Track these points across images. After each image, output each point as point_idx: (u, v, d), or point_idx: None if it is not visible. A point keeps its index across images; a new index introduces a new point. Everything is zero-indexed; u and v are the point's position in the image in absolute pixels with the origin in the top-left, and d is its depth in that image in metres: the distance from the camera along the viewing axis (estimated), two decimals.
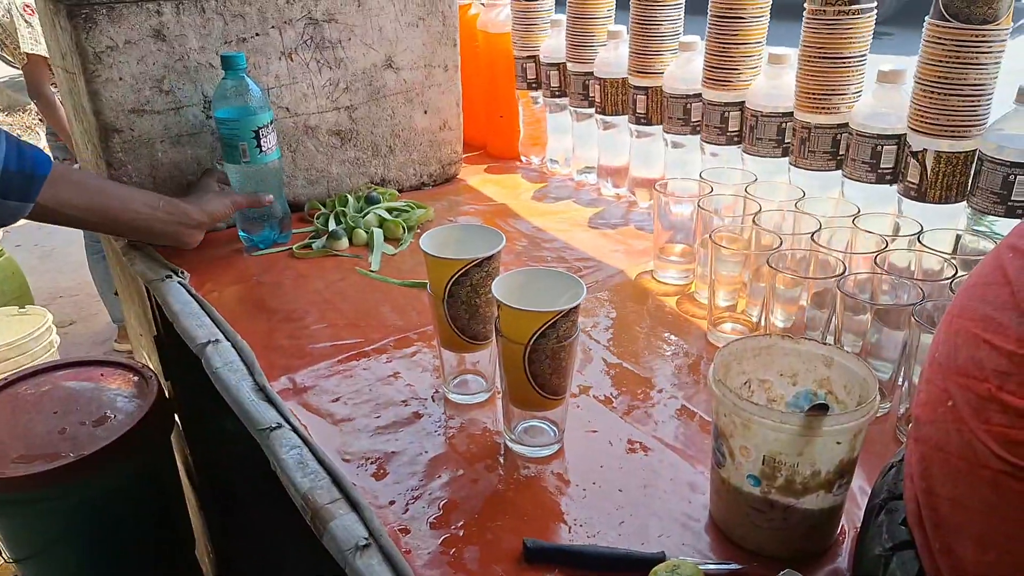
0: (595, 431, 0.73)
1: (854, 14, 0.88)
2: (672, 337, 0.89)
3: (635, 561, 0.56)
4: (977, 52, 0.77)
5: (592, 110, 1.31)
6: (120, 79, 1.08)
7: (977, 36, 0.77)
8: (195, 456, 1.36)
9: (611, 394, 0.79)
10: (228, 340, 0.89)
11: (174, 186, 1.15)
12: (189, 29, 1.09)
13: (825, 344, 0.60)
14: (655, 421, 0.74)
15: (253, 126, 1.07)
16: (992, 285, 0.43)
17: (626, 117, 1.25)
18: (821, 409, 0.51)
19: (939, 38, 0.79)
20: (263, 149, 1.09)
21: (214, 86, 1.11)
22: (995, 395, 0.38)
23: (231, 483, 1.14)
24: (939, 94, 0.80)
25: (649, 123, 1.20)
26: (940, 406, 0.43)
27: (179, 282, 1.02)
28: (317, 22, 1.18)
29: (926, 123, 0.82)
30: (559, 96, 1.38)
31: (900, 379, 0.72)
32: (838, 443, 0.52)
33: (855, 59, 0.90)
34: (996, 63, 0.78)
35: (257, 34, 1.15)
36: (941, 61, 0.79)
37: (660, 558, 0.55)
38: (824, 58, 0.91)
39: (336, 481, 0.65)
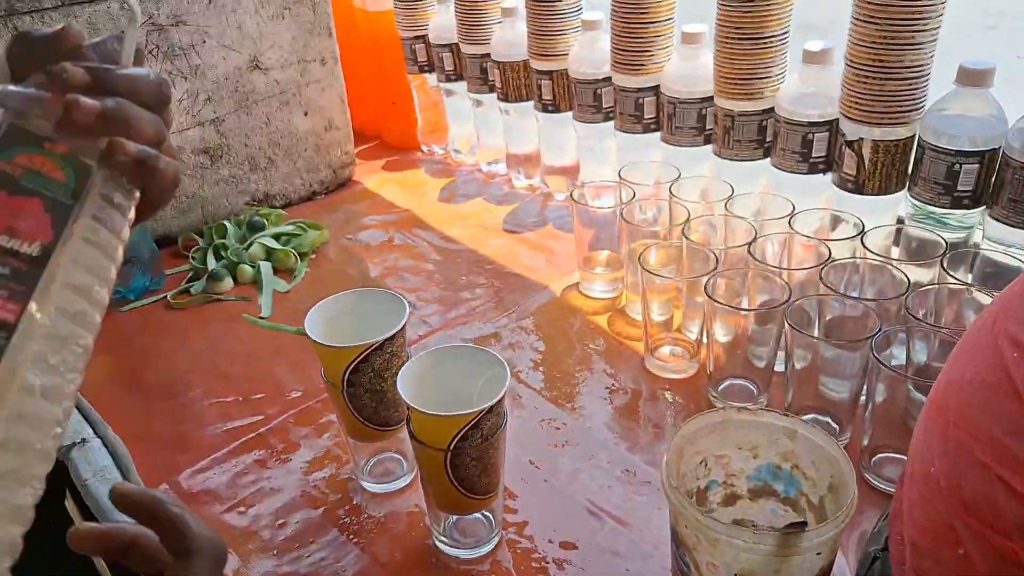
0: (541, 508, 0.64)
1: None
2: (607, 370, 0.80)
3: None
4: (914, 31, 0.69)
5: (492, 95, 1.18)
6: None
7: (913, 11, 0.68)
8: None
9: (548, 456, 0.70)
10: (98, 436, 0.76)
11: None
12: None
13: (787, 415, 0.52)
14: (600, 486, 0.66)
15: None
16: (997, 392, 0.35)
17: (531, 103, 1.13)
18: (799, 527, 0.43)
19: (871, 17, 0.70)
20: None
21: None
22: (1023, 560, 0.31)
23: None
24: (876, 78, 0.72)
25: (557, 110, 1.09)
26: (947, 547, 0.35)
27: None
28: (162, 27, 1.01)
29: (861, 110, 0.74)
30: (455, 80, 1.24)
31: (862, 398, 0.66)
32: (818, 554, 0.45)
33: (777, 37, 0.81)
34: (934, 40, 0.70)
35: None
36: (875, 43, 0.70)
37: None
38: (743, 39, 0.81)
39: None
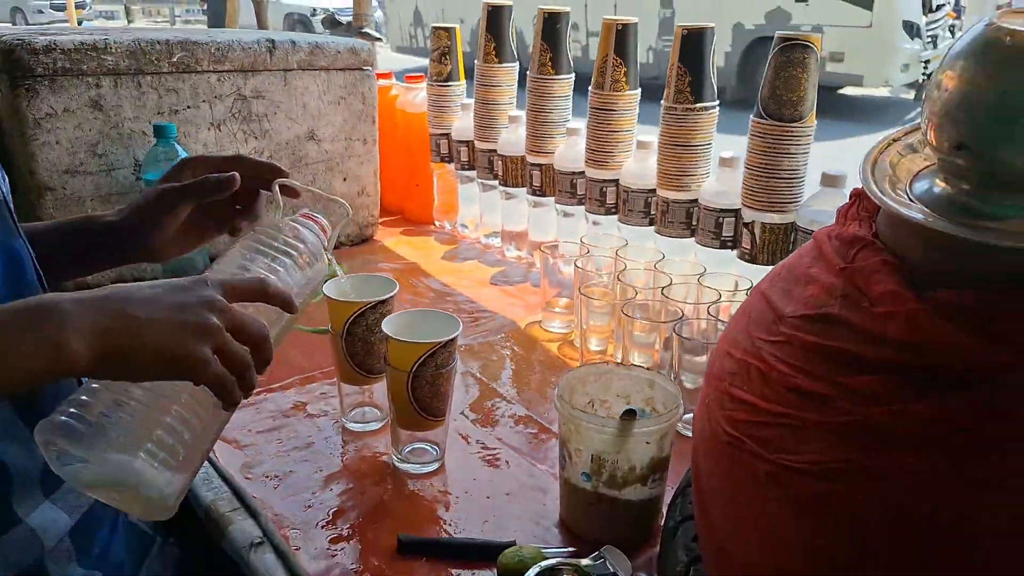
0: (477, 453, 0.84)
1: (699, 111, 1.06)
2: (553, 377, 1.02)
3: (490, 548, 0.67)
4: (789, 144, 0.96)
5: (496, 182, 1.46)
6: (57, 143, 1.17)
7: (787, 131, 0.95)
8: None
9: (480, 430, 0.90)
10: None
11: None
12: (125, 100, 1.20)
13: (648, 370, 0.73)
14: (526, 441, 0.86)
15: None
16: (739, 315, 0.58)
17: (524, 189, 1.41)
18: (631, 415, 0.64)
19: (760, 132, 0.97)
20: None
21: (145, 151, 1.22)
22: (728, 390, 0.52)
23: None
24: (763, 177, 0.98)
25: (544, 194, 1.37)
26: (701, 406, 0.56)
27: None
28: (245, 98, 1.31)
29: (755, 200, 1.00)
30: (468, 169, 1.53)
31: None
32: (647, 443, 0.65)
33: (702, 147, 1.09)
34: (805, 152, 0.97)
35: (189, 107, 1.26)
36: (763, 151, 0.97)
37: (510, 544, 0.66)
38: (677, 146, 1.09)
39: (236, 493, 0.74)
